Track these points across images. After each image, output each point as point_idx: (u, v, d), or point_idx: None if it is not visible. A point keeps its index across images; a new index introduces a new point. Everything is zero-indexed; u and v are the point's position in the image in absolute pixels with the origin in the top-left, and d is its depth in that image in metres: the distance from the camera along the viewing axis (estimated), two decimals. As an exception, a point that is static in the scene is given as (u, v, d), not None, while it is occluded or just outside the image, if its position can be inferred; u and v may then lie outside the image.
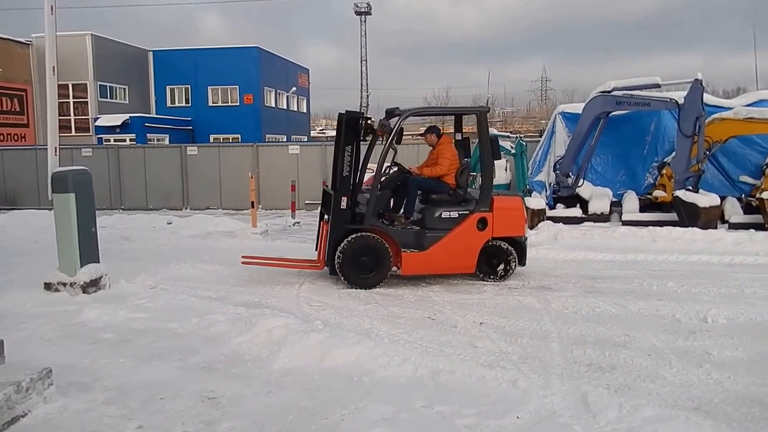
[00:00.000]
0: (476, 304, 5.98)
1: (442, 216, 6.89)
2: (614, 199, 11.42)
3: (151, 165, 17.10)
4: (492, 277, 7.01)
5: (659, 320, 5.28)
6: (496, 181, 12.87)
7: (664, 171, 10.74)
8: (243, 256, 7.26)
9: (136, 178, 17.11)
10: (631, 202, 10.95)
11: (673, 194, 10.08)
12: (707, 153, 10.27)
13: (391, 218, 7.01)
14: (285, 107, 37.52)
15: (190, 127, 31.56)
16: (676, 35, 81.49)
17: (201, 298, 5.98)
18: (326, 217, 7.00)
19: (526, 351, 4.55)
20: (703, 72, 9.74)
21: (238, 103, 32.79)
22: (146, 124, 27.53)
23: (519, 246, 7.11)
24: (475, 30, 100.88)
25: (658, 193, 10.80)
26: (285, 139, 33.22)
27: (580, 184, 11.46)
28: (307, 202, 15.58)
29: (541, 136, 14.63)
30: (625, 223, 10.43)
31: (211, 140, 29.80)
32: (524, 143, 11.44)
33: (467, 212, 6.90)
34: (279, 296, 6.30)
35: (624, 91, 10.35)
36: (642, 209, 10.88)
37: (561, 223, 10.45)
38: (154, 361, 4.26)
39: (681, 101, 9.84)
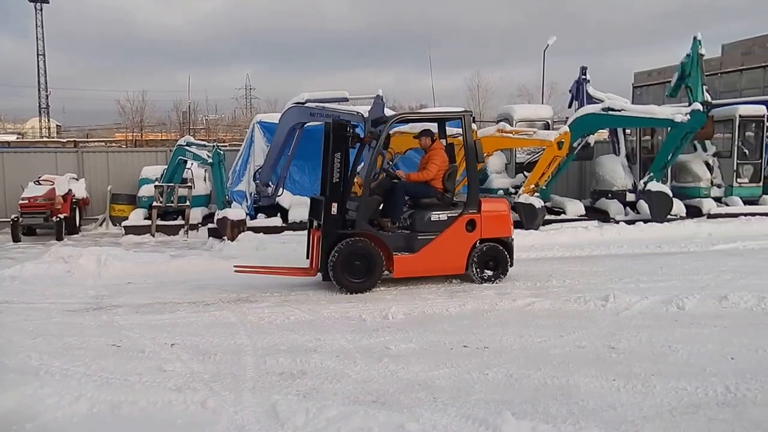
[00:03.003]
0: (168, 325, 5.74)
1: (432, 219, 7.18)
2: (312, 208, 12.13)
3: None
4: (489, 279, 7.35)
5: (348, 322, 5.78)
6: (195, 192, 12.71)
7: (355, 180, 11.81)
8: (235, 266, 7.44)
9: None
10: (328, 210, 11.78)
11: (363, 202, 11.17)
12: (390, 163, 11.65)
13: (379, 223, 7.18)
14: None
15: None
16: (375, 53, 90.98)
17: None
18: (315, 224, 7.22)
19: (219, 368, 4.52)
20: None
21: None
22: None
23: (507, 247, 7.43)
24: (179, 32, 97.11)
25: (351, 201, 11.85)
26: None
27: (280, 193, 11.88)
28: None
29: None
30: (322, 230, 11.18)
31: None
32: (222, 152, 11.39)
33: (456, 215, 7.24)
34: None
35: (317, 103, 11.09)
36: (338, 216, 11.79)
37: (262, 234, 10.70)
38: None
39: (367, 114, 10.96)
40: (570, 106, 15.22)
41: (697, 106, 11.76)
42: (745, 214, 12.34)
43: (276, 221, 11.51)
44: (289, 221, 11.57)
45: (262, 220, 11.56)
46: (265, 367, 4.54)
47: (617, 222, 12.11)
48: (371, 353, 4.83)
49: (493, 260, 7.44)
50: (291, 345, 5.06)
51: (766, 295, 6.18)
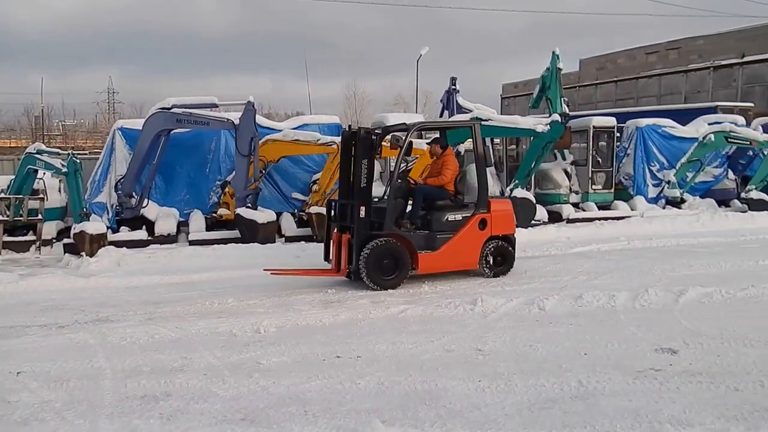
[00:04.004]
0: (14, 351, 5.29)
1: (449, 219, 7.99)
2: (181, 219, 11.67)
3: None
4: (495, 273, 8.20)
5: (217, 337, 5.63)
6: (49, 204, 11.74)
7: (226, 189, 11.55)
8: (265, 269, 7.98)
9: None
10: (197, 221, 11.39)
11: (235, 212, 10.92)
12: (263, 172, 11.51)
13: (399, 224, 7.82)
14: None
15: None
16: (250, 59, 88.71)
17: None
18: (334, 227, 7.95)
19: (73, 395, 4.24)
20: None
21: None
22: None
23: (511, 243, 8.43)
24: (29, 29, 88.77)
25: (223, 211, 11.53)
26: None
27: (144, 204, 11.32)
28: None
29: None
30: (192, 242, 10.79)
31: None
32: (78, 161, 10.64)
33: (470, 215, 8.07)
34: None
35: (184, 109, 10.70)
36: (209, 228, 11.43)
37: (125, 248, 10.12)
38: None
39: (237, 122, 10.75)
40: (441, 115, 15.91)
41: (556, 117, 12.73)
42: (599, 219, 13.52)
43: (141, 234, 10.92)
44: (156, 234, 11.03)
45: (125, 234, 10.92)
46: (125, 390, 4.31)
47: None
48: (241, 369, 4.74)
49: (501, 255, 8.34)
50: (155, 366, 4.84)
51: (615, 293, 6.83)
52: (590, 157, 14.71)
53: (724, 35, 36.75)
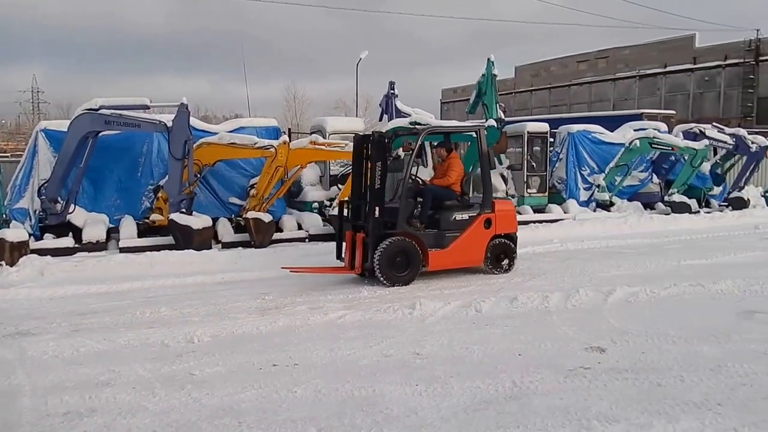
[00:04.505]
0: None
1: (457, 219, 8.46)
2: (111, 225, 11.24)
3: None
4: (498, 270, 8.71)
5: (148, 349, 5.43)
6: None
7: (159, 194, 11.19)
8: (284, 266, 8.40)
9: None
10: (128, 227, 10.98)
11: (168, 217, 10.60)
12: (198, 176, 11.21)
13: (410, 224, 8.24)
14: None
15: None
16: (186, 59, 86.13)
17: None
18: (345, 227, 8.43)
19: (-12, 415, 3.99)
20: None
21: None
22: None
23: (514, 241, 8.93)
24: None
25: (156, 217, 11.18)
26: None
27: (71, 210, 10.83)
28: None
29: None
30: (123, 249, 10.39)
31: None
32: (-3, 164, 10.10)
33: (476, 214, 8.56)
34: None
35: (113, 111, 10.31)
36: (141, 234, 11.04)
37: (49, 256, 9.64)
38: None
39: (170, 124, 10.44)
40: (381, 119, 15.97)
41: (491, 122, 13.02)
42: (534, 222, 13.89)
43: (67, 242, 10.43)
44: (83, 241, 10.57)
45: (49, 241, 10.40)
46: (46, 408, 4.10)
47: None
48: (173, 381, 4.59)
49: (504, 252, 8.79)
50: (79, 380, 4.62)
51: (549, 294, 7.03)
52: (525, 161, 15.11)
53: (648, 46, 38.62)
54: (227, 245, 11.12)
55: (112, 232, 11.19)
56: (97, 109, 10.28)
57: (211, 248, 10.63)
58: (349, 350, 5.32)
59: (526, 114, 39.21)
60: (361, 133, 8.96)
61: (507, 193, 14.82)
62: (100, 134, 10.75)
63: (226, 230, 11.50)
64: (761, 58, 33.37)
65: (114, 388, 4.44)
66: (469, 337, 5.65)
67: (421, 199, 8.58)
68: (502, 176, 15.04)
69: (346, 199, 8.96)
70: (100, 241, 10.70)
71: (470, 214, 8.60)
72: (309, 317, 6.39)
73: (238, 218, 11.86)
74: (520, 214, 14.45)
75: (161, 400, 4.22)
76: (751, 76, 33.49)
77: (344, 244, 8.42)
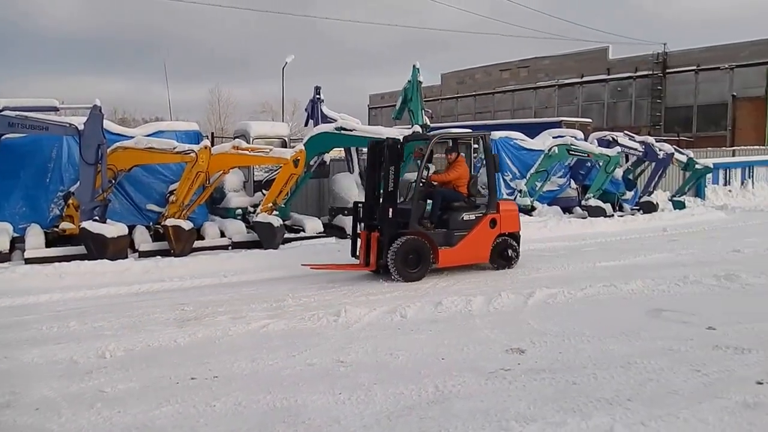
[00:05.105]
0: None
1: (465, 218, 9.07)
2: (16, 235, 10.54)
3: None
4: (508, 266, 9.43)
5: (55, 366, 5.13)
6: None
7: (70, 201, 10.63)
8: (303, 264, 9.11)
9: None
10: (35, 236, 10.34)
11: (80, 226, 10.09)
12: (112, 182, 10.73)
13: (422, 223, 8.76)
14: None
15: None
16: (104, 59, 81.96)
17: None
18: (360, 226, 9.07)
19: None
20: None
21: None
22: None
23: (517, 239, 9.63)
24: None
25: (66, 225, 10.59)
26: None
27: (-30, 218, 10.12)
28: None
29: None
30: (29, 261, 9.78)
31: None
32: None
33: (482, 214, 9.20)
34: None
35: (18, 113, 9.72)
36: (49, 244, 10.43)
37: (-55, 269, 8.97)
38: None
39: (82, 127, 9.95)
40: (306, 124, 15.86)
41: (417, 128, 13.17)
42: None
43: (-35, 253, 9.75)
44: (-15, 252, 9.90)
45: (-55, 253, 9.69)
46: (-64, 435, 3.80)
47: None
48: (81, 400, 4.35)
49: (508, 249, 9.44)
50: (-24, 403, 4.31)
51: (472, 298, 7.17)
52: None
53: (566, 56, 40.35)
54: (145, 254, 10.68)
55: (17, 242, 10.51)
56: (1, 110, 9.68)
57: (127, 257, 10.19)
58: (271, 360, 5.22)
59: (452, 120, 40.03)
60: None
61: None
62: (3, 137, 10.12)
63: (143, 238, 11.05)
64: (668, 70, 35.57)
65: (14, 410, 4.16)
66: (394, 343, 5.68)
67: (431, 201, 9.13)
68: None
69: (361, 200, 9.62)
70: (2, 251, 10.03)
71: (477, 215, 9.22)
72: (230, 328, 6.23)
73: (157, 226, 11.43)
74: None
75: (68, 421, 3.99)
76: (659, 87, 35.64)
77: (360, 242, 9.00)
